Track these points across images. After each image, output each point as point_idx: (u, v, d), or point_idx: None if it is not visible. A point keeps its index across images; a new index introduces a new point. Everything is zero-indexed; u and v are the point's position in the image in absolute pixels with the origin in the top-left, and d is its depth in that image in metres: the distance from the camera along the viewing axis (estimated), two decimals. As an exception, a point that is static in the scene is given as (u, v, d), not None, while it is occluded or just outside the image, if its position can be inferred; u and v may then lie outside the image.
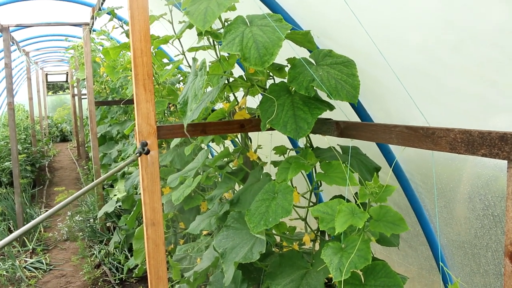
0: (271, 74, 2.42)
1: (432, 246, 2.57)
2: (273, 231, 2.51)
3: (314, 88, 2.02)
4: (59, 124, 20.11)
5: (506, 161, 1.30)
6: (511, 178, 1.29)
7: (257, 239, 2.14)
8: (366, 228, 1.81)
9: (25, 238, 6.70)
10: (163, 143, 4.07)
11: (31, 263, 5.96)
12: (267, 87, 2.22)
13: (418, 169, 2.60)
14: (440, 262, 2.49)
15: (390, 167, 2.54)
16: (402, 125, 1.69)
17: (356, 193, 2.43)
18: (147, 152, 2.13)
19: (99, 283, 5.29)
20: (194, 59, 2.31)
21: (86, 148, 11.65)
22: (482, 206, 2.25)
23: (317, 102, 2.10)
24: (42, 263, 5.95)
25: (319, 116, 2.05)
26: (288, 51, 2.27)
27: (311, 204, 2.34)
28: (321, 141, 2.55)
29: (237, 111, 2.58)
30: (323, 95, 2.13)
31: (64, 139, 19.43)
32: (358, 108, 2.55)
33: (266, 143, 2.93)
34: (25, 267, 5.83)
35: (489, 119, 2.00)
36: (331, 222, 1.85)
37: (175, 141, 3.32)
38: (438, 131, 1.52)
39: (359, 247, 1.75)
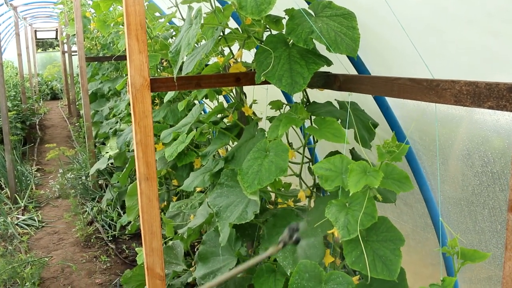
0: (267, 26, 2.34)
1: (428, 204, 2.55)
2: (268, 188, 2.48)
3: (313, 40, 1.95)
4: (49, 82, 19.84)
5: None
6: (517, 131, 1.25)
7: (251, 198, 2.10)
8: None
9: (16, 196, 6.67)
10: (156, 99, 4.00)
11: (23, 220, 5.94)
12: (264, 39, 2.15)
13: (417, 125, 2.56)
14: (440, 218, 2.48)
15: (388, 124, 2.50)
16: (404, 77, 1.63)
17: (353, 148, 2.40)
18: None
19: (92, 240, 5.29)
20: (190, 8, 2.23)
21: (77, 106, 11.53)
22: (481, 163, 2.22)
23: (315, 56, 2.03)
24: (34, 220, 5.94)
25: (318, 70, 1.99)
26: (285, 2, 2.19)
27: (305, 160, 2.29)
28: (318, 96, 2.49)
29: (231, 65, 2.51)
30: (321, 49, 2.06)
31: (55, 97, 19.22)
32: (357, 63, 2.48)
33: (262, 99, 2.86)
34: (17, 224, 5.81)
35: (496, 73, 1.94)
36: (336, 180, 1.80)
37: (168, 96, 3.25)
38: (442, 83, 1.46)
39: (365, 205, 1.71)
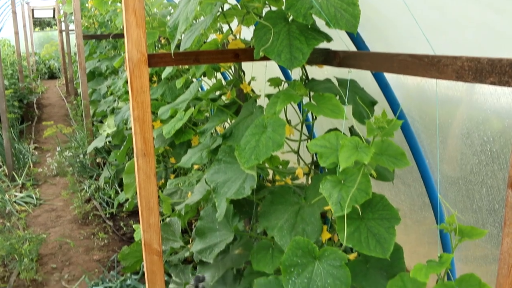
0: (267, 2, 2.31)
1: (426, 182, 2.55)
2: (266, 165, 2.47)
3: (312, 16, 1.93)
4: (47, 61, 19.71)
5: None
6: (518, 107, 1.24)
7: (248, 173, 2.10)
8: (366, 162, 1.76)
9: (14, 173, 6.66)
10: (154, 76, 3.97)
11: (21, 197, 5.94)
12: (263, 15, 2.12)
13: (416, 104, 2.55)
14: (439, 195, 2.48)
15: (387, 102, 2.48)
16: (405, 53, 1.62)
17: (352, 126, 2.39)
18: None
19: (90, 217, 5.30)
20: (188, -18, 2.19)
21: (75, 85, 11.47)
22: (480, 141, 2.21)
23: (314, 32, 2.01)
24: (32, 198, 5.94)
25: (317, 46, 1.97)
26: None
27: (303, 137, 2.28)
28: (318, 74, 2.48)
29: (230, 42, 2.49)
30: (321, 26, 2.04)
31: (52, 76, 19.11)
32: (357, 40, 2.46)
33: (260, 76, 2.84)
34: (15, 201, 5.81)
35: (499, 51, 1.92)
36: (331, 156, 1.79)
37: (166, 73, 3.23)
38: (444, 59, 1.45)
39: (359, 181, 1.71)
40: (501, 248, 1.36)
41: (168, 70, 3.17)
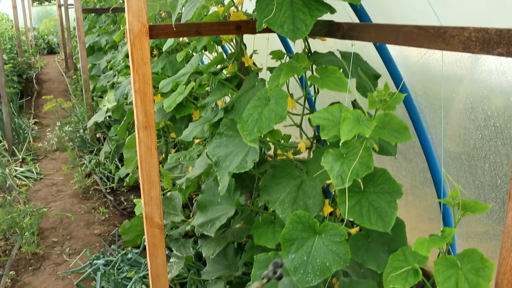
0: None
1: (428, 158, 2.54)
2: (267, 139, 2.46)
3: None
4: (46, 36, 19.55)
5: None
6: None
7: (250, 147, 2.08)
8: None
9: (14, 148, 6.65)
10: (154, 50, 3.94)
11: (22, 172, 5.94)
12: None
13: (420, 79, 2.52)
14: (442, 169, 2.47)
15: (391, 76, 2.46)
16: (411, 24, 1.59)
17: (355, 100, 2.37)
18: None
19: (90, 192, 5.31)
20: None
21: (74, 60, 11.40)
22: (484, 116, 2.20)
23: (318, 3, 1.97)
24: (33, 172, 5.94)
25: (320, 18, 1.94)
26: None
27: (306, 111, 2.26)
28: (320, 48, 2.44)
29: (232, 14, 2.45)
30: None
31: (52, 51, 18.97)
32: (360, 13, 2.42)
33: (262, 50, 2.81)
34: (15, 176, 5.81)
35: (506, 23, 1.89)
36: (333, 129, 1.78)
37: (167, 45, 3.19)
38: (450, 30, 1.42)
39: (361, 155, 1.69)
40: (505, 222, 1.35)
41: (169, 43, 3.13)
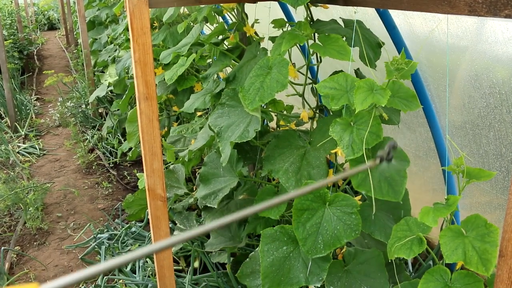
0: None
1: (432, 127, 2.51)
2: (270, 109, 2.43)
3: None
4: (46, 12, 19.39)
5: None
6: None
7: (252, 117, 2.06)
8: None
9: (16, 124, 6.65)
10: (155, 22, 3.89)
11: (24, 148, 5.94)
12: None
13: (424, 47, 2.48)
14: (447, 135, 2.44)
15: (394, 44, 2.42)
16: (415, -12, 1.55)
17: (358, 69, 2.33)
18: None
19: (93, 167, 5.31)
20: None
21: (75, 35, 11.32)
22: (488, 84, 2.16)
23: (320, -31, 1.93)
24: (36, 148, 5.94)
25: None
26: None
27: (308, 81, 2.23)
28: (322, 17, 2.40)
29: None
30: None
31: (52, 27, 18.84)
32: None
33: (264, 20, 2.77)
34: (18, 152, 5.82)
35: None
36: (342, 98, 1.74)
37: (167, 16, 3.14)
38: (456, -8, 1.38)
39: (371, 124, 1.67)
40: (510, 189, 1.33)
41: (169, 13, 3.08)
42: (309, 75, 2.23)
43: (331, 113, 2.12)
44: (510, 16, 1.24)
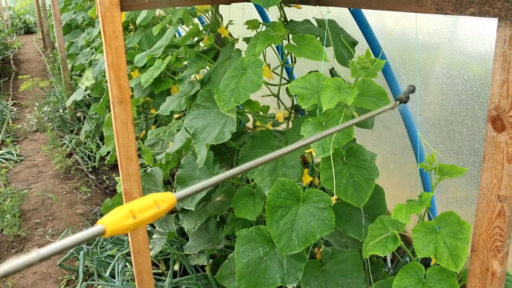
0: None
1: (407, 124, 2.54)
2: (246, 110, 2.43)
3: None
4: (22, 16, 19.14)
5: (495, 27, 1.20)
6: (500, 38, 1.20)
7: (228, 118, 2.06)
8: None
9: (-7, 130, 6.56)
10: (130, 24, 3.86)
11: (1, 154, 5.86)
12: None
13: (397, 46, 2.50)
14: (419, 132, 2.47)
15: (368, 43, 2.43)
16: (384, -13, 1.56)
17: (332, 68, 2.34)
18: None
19: (72, 172, 5.26)
20: None
21: (52, 39, 11.19)
22: (461, 81, 2.19)
23: (292, -30, 1.94)
24: (13, 154, 5.86)
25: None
26: None
27: (283, 81, 2.24)
28: (296, 17, 2.41)
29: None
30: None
31: (29, 31, 18.59)
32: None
33: (238, 21, 2.77)
34: (-5, 158, 5.74)
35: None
36: (312, 98, 1.76)
37: (141, 18, 3.12)
38: (423, -9, 1.40)
39: (341, 123, 1.68)
40: (480, 184, 1.36)
41: (142, 15, 3.06)
42: (285, 75, 2.24)
43: (307, 113, 2.13)
44: (475, 14, 1.25)
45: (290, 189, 1.77)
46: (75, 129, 6.41)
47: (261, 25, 2.32)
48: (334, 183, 1.72)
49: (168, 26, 3.32)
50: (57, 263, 3.57)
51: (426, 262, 1.61)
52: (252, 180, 2.63)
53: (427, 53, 2.37)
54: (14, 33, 16.80)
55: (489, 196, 1.31)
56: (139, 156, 3.91)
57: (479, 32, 1.98)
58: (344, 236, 2.16)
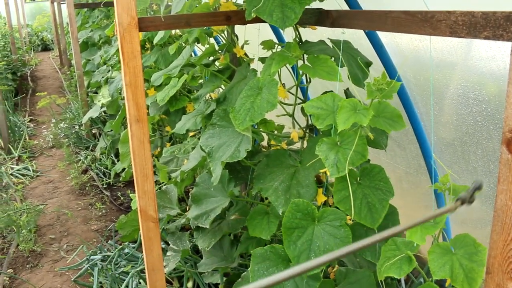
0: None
1: (421, 144, 2.54)
2: (261, 129, 2.45)
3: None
4: (40, 33, 19.45)
5: (509, 49, 1.21)
6: (513, 62, 1.21)
7: (243, 136, 2.08)
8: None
9: (10, 146, 6.63)
10: (147, 43, 3.92)
11: (18, 169, 5.93)
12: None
13: (411, 67, 2.52)
14: (433, 154, 2.47)
15: (382, 63, 2.45)
16: (398, 10, 1.58)
17: (347, 89, 2.36)
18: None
19: (87, 188, 5.30)
20: None
21: (69, 56, 11.35)
22: (476, 101, 2.20)
23: (307, -9, 1.97)
24: (29, 170, 5.92)
25: (310, 6, 1.93)
26: None
27: (298, 101, 2.26)
28: (312, 37, 2.44)
29: (221, 5, 2.44)
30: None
31: (46, 48, 18.89)
32: (350, 0, 2.41)
33: (254, 41, 2.80)
34: (11, 174, 5.80)
35: (492, 5, 1.88)
36: (327, 118, 1.77)
37: (158, 37, 3.17)
38: (438, 15, 1.42)
39: (356, 143, 1.69)
40: (495, 206, 1.36)
41: (160, 35, 3.12)
42: (300, 95, 2.26)
43: (321, 133, 2.14)
44: (489, 37, 1.27)
45: (304, 210, 1.77)
46: (91, 145, 6.48)
47: (276, 45, 2.35)
48: (349, 204, 1.73)
49: (184, 45, 3.38)
50: (72, 279, 3.59)
51: (440, 283, 1.61)
52: (267, 199, 2.64)
53: (441, 72, 2.38)
54: (32, 50, 17.06)
55: (504, 218, 1.31)
56: (154, 173, 3.95)
57: (493, 53, 1.99)
58: (358, 256, 2.15)
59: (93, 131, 6.82)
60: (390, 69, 2.46)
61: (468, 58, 2.21)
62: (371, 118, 1.65)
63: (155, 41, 3.12)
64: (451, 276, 1.41)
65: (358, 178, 1.81)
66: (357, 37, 2.59)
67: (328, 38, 2.23)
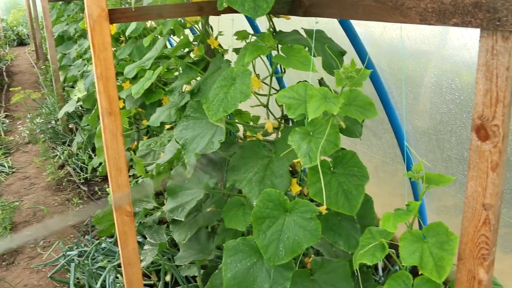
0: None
1: (397, 133, 2.55)
2: (236, 120, 2.44)
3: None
4: (15, 27, 19.13)
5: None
6: (482, 49, 1.21)
7: (217, 128, 2.06)
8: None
9: (-16, 142, 6.53)
10: (121, 36, 3.87)
11: (-7, 166, 5.84)
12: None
13: (386, 56, 2.52)
14: (405, 142, 2.48)
15: (357, 53, 2.45)
16: (370, -2, 1.58)
17: (321, 78, 2.36)
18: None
19: (64, 183, 5.24)
20: None
21: (45, 51, 11.17)
22: (449, 89, 2.21)
23: (279, -19, 1.95)
24: (4, 166, 5.83)
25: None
26: None
27: (273, 91, 2.25)
28: (286, 27, 2.42)
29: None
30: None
31: (22, 43, 18.57)
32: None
33: (228, 32, 2.78)
34: (-14, 171, 5.71)
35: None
36: (299, 108, 1.76)
37: (130, 29, 3.13)
38: (408, 2, 1.41)
39: (328, 132, 1.68)
40: (466, 192, 1.37)
41: (132, 27, 3.08)
42: (276, 85, 2.25)
43: (295, 123, 2.13)
44: (458, 24, 1.27)
45: (276, 200, 1.77)
46: (67, 140, 6.40)
47: (250, 35, 2.34)
48: (324, 195, 1.72)
49: (159, 37, 3.34)
50: (48, 275, 3.54)
51: (416, 271, 1.62)
52: (243, 190, 2.63)
53: (415, 61, 2.39)
54: (7, 45, 16.78)
55: (474, 205, 1.32)
56: (131, 167, 3.90)
57: (465, 41, 2.00)
58: (334, 245, 2.15)
59: (70, 126, 6.73)
60: (364, 58, 2.46)
61: (441, 47, 2.22)
62: (342, 107, 1.65)
63: (127, 33, 3.08)
64: (420, 264, 1.42)
65: (332, 167, 1.80)
66: (332, 27, 2.58)
67: (302, 28, 2.22)
